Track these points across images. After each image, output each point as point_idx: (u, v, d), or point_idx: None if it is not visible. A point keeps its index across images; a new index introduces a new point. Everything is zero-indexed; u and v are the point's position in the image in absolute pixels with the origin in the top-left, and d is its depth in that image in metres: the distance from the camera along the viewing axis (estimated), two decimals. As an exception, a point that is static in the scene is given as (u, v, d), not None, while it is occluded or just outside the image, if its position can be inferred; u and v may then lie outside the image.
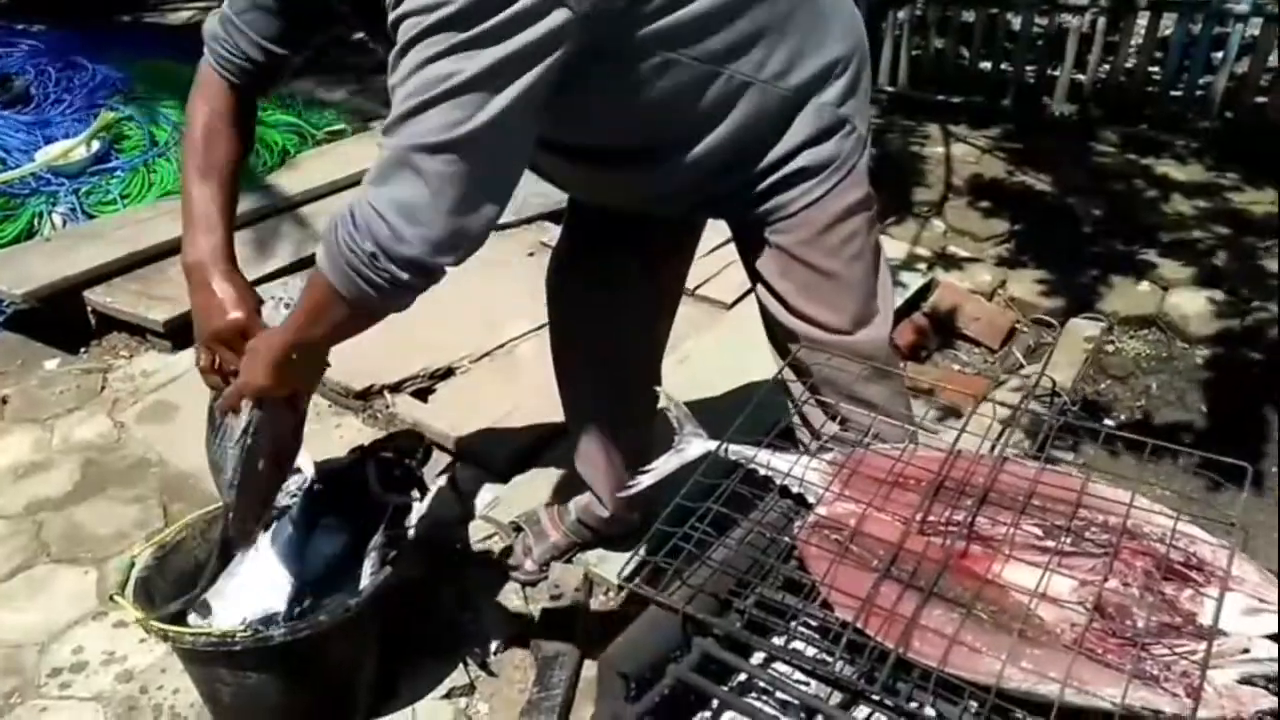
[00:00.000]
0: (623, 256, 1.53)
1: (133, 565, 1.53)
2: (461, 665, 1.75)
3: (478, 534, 2.02)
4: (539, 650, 1.73)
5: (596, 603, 1.90)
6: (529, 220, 3.24)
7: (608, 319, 1.59)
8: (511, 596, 1.89)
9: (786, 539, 0.92)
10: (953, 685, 0.74)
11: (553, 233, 2.92)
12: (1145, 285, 3.12)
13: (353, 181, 3.27)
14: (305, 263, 2.90)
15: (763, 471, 0.97)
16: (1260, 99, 4.09)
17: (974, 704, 0.74)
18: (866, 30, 1.27)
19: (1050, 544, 0.85)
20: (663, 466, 1.01)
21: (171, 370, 2.59)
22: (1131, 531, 0.84)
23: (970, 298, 3.12)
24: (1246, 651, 0.74)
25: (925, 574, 0.82)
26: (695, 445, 1.00)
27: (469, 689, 1.72)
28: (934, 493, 0.90)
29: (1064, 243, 3.40)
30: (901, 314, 3.01)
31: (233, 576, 1.57)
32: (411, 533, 1.73)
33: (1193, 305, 2.99)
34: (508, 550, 1.95)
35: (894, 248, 3.31)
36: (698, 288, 2.85)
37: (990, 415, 1.01)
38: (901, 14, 4.65)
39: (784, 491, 0.97)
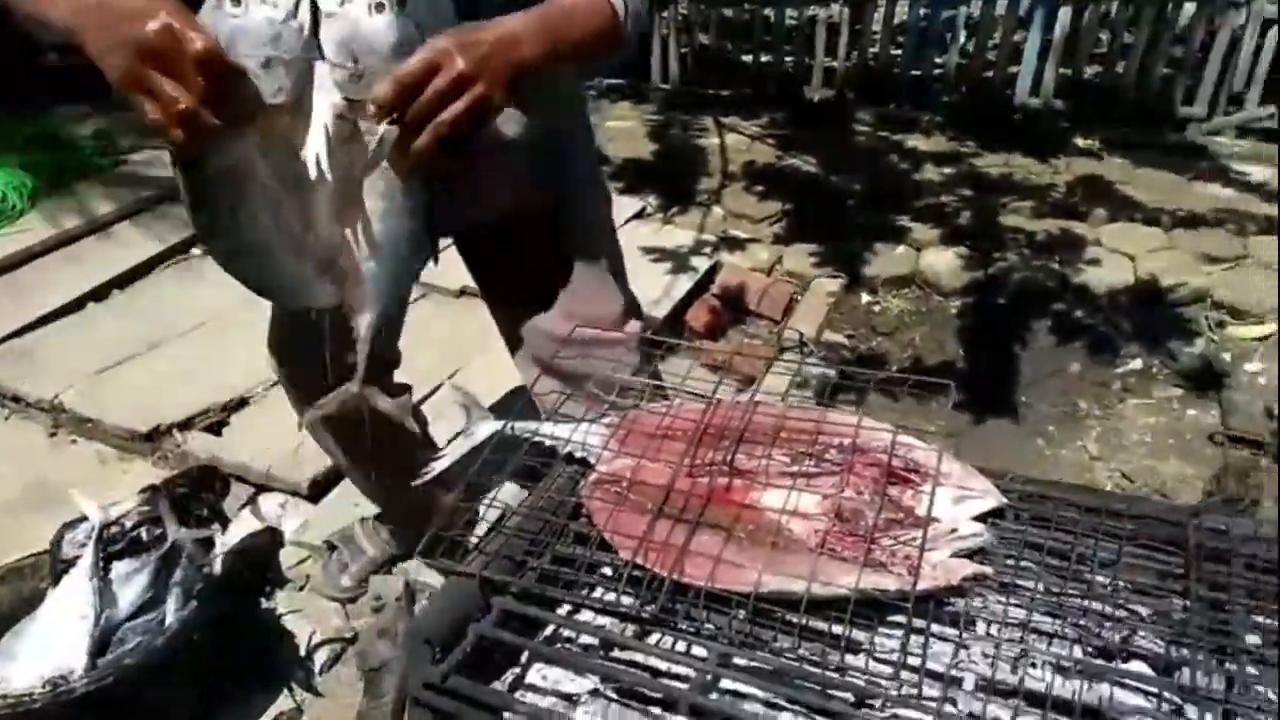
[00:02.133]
0: None
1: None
2: (286, 691, 1.72)
3: (291, 559, 1.99)
4: (365, 662, 1.74)
5: (420, 609, 1.91)
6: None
7: None
8: (332, 616, 1.88)
9: (574, 499, 0.99)
10: (722, 598, 0.84)
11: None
12: (902, 248, 3.43)
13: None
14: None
15: (548, 443, 1.04)
16: (987, 74, 4.56)
17: (741, 612, 0.85)
18: None
19: (797, 468, 0.97)
20: (453, 451, 1.06)
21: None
22: (861, 448, 0.97)
23: (753, 275, 3.34)
24: (955, 532, 0.88)
25: (693, 509, 0.91)
26: (483, 427, 1.06)
27: (296, 712, 1.70)
28: (698, 439, 0.99)
29: (831, 217, 3.68)
30: (693, 296, 3.19)
31: (20, 637, 1.49)
32: (218, 567, 1.69)
33: (943, 262, 3.32)
34: (324, 570, 1.94)
35: (681, 235, 3.49)
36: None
37: (787, 374, 1.13)
38: (667, 13, 4.87)
39: (569, 458, 1.05)
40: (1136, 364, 2.93)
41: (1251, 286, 3.06)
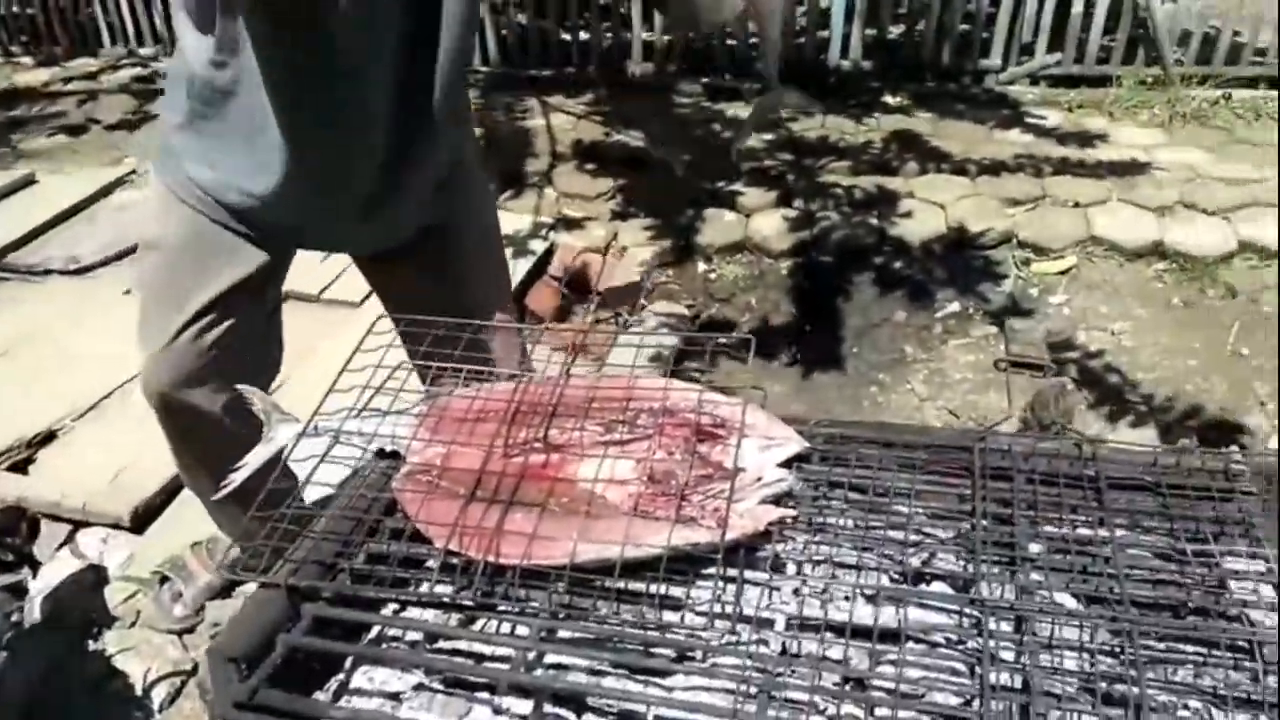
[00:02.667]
0: None
1: None
2: (125, 733, 1.62)
3: (118, 595, 1.87)
4: (205, 691, 1.65)
5: (222, 627, 1.84)
6: (118, 257, 2.99)
7: None
8: (169, 649, 1.78)
9: (387, 494, 0.97)
10: (541, 574, 0.84)
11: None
12: (732, 215, 3.51)
13: None
14: None
15: (356, 440, 1.01)
16: (799, 39, 4.70)
17: (560, 585, 0.85)
18: None
19: (610, 437, 0.97)
20: (253, 459, 1.01)
21: None
22: (670, 410, 0.98)
23: (591, 254, 3.34)
24: (760, 480, 0.90)
25: (506, 489, 0.90)
26: (283, 430, 1.01)
27: (137, 754, 1.60)
28: (511, 419, 0.98)
29: (662, 190, 3.72)
30: (532, 279, 3.17)
31: None
32: (36, 613, 1.58)
33: (771, 225, 3.41)
34: (155, 602, 1.83)
35: (516, 220, 3.45)
36: (323, 291, 2.81)
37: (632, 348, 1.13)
38: (481, -4, 4.78)
39: (381, 453, 1.02)
40: (954, 307, 3.10)
41: (1050, 225, 3.29)
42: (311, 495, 0.96)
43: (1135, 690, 0.71)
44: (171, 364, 1.37)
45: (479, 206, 1.55)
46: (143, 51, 5.36)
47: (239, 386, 1.03)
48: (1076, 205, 3.36)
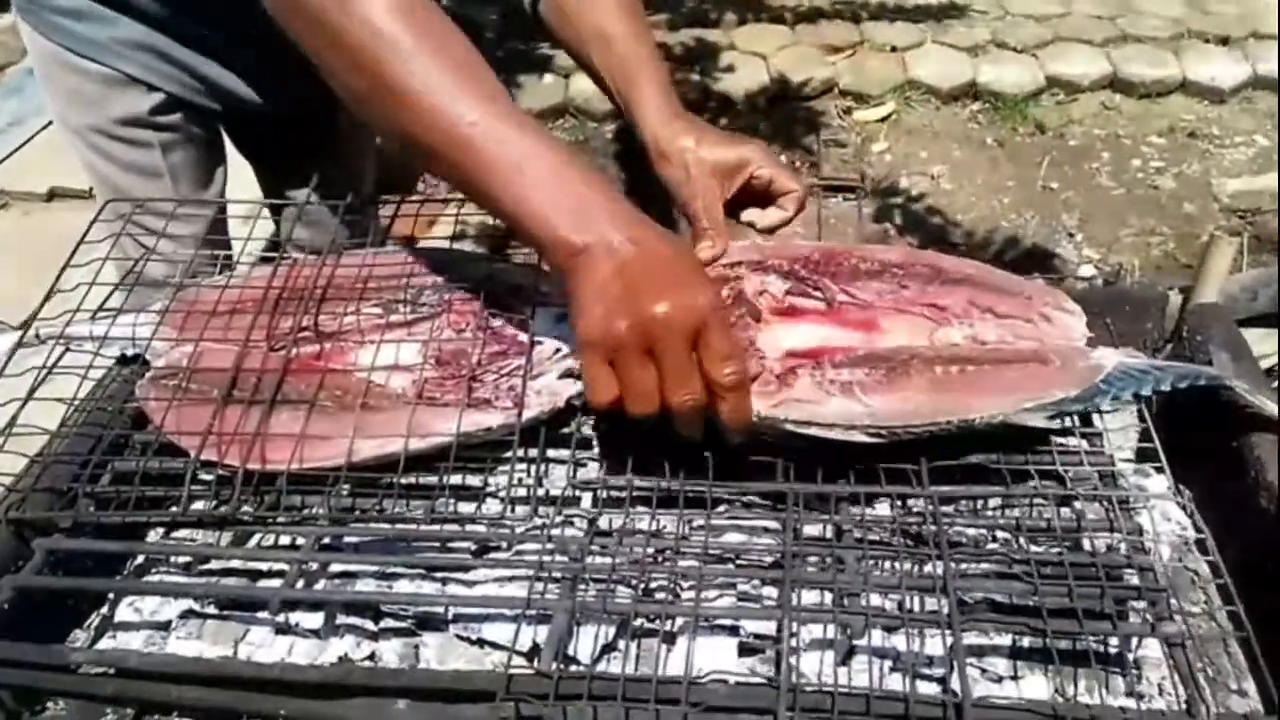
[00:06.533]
0: None
1: None
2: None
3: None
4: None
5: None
6: None
7: None
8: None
9: (135, 406, 0.84)
10: (318, 478, 0.74)
11: None
12: (550, 77, 3.32)
13: None
14: None
15: (87, 346, 0.87)
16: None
17: (343, 488, 0.76)
18: None
19: (394, 318, 0.87)
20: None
21: None
22: (457, 284, 0.88)
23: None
24: (559, 352, 0.83)
25: (268, 386, 0.79)
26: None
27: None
28: (273, 308, 0.86)
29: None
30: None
31: None
32: None
33: (592, 86, 3.24)
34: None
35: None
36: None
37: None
38: None
39: (123, 359, 0.88)
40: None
41: (869, 71, 3.28)
42: (38, 416, 0.82)
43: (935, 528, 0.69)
44: None
45: None
46: None
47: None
48: (894, 50, 3.35)
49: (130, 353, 0.87)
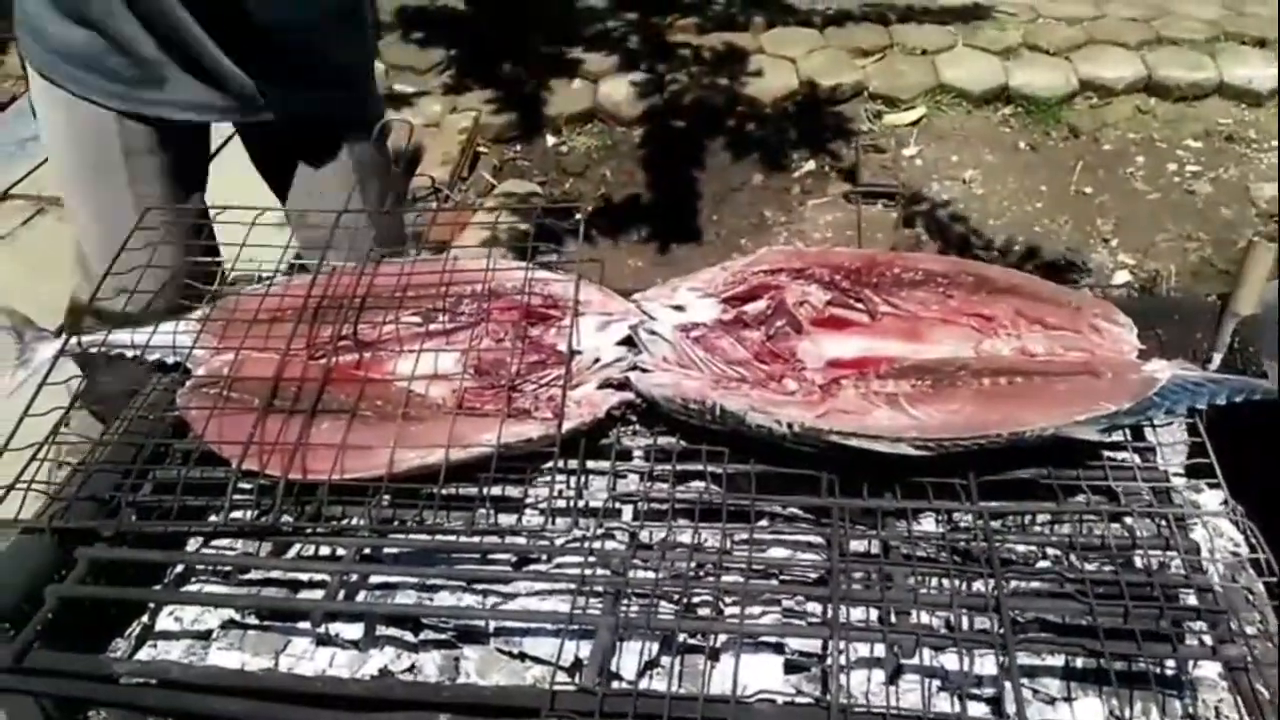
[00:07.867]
0: None
1: None
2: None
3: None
4: None
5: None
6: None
7: None
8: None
9: (175, 414, 0.84)
10: (358, 488, 0.74)
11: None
12: (579, 82, 3.32)
13: None
14: None
15: (130, 354, 0.87)
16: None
17: (384, 499, 0.75)
18: None
19: (433, 327, 0.86)
20: (7, 384, 0.86)
21: None
22: (496, 293, 0.88)
23: (427, 132, 3.11)
24: (599, 361, 0.82)
25: (308, 395, 0.79)
26: (42, 348, 0.86)
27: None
28: (312, 316, 0.86)
29: (498, 57, 3.48)
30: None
31: None
32: None
33: (620, 91, 3.25)
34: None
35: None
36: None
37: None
38: None
39: (161, 366, 0.88)
40: (810, 165, 3.05)
41: (899, 75, 3.25)
42: (78, 423, 0.82)
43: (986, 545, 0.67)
44: None
45: None
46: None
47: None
48: (924, 53, 3.32)
49: (170, 360, 0.87)
